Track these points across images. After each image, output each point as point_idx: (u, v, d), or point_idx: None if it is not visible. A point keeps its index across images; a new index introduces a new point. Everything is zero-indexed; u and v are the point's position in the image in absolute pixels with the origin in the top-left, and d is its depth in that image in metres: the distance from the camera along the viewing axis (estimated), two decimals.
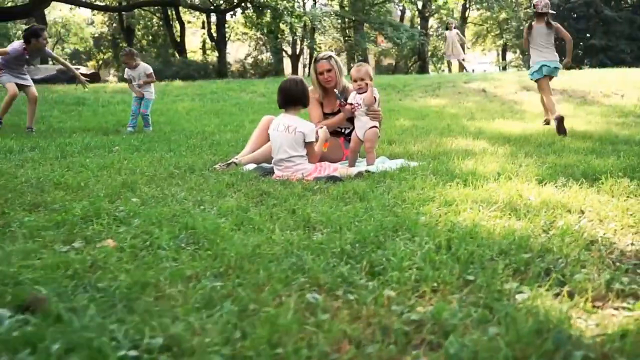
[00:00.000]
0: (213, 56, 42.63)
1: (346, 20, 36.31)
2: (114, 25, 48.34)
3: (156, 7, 40.35)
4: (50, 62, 40.59)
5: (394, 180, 4.39)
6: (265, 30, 26.61)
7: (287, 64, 44.93)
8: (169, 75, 23.92)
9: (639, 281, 2.22)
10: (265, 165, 5.16)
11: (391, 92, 13.98)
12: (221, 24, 39.04)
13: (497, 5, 38.32)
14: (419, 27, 37.32)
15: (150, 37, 50.12)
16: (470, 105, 11.76)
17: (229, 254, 2.52)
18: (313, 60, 5.81)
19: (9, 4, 31.97)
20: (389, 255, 2.44)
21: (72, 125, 8.92)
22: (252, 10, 27.92)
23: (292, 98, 4.91)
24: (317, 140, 4.96)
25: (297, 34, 32.90)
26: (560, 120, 7.47)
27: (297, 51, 43.60)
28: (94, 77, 24.66)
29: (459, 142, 6.76)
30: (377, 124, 5.36)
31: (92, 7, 29.51)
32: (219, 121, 9.61)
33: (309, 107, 5.78)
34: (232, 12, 30.13)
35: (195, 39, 50.17)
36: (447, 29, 20.11)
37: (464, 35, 25.49)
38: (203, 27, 43.88)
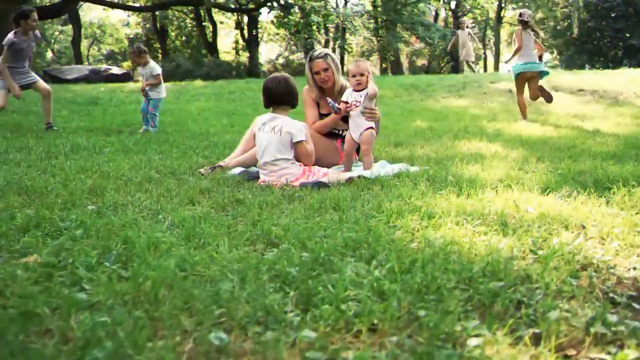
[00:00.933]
0: (245, 56, 42.49)
1: (378, 20, 35.79)
2: (147, 26, 48.55)
3: (189, 8, 40.38)
4: (86, 62, 40.92)
5: (383, 187, 4.01)
6: (292, 30, 26.27)
7: None
8: (200, 75, 23.82)
9: (628, 322, 1.80)
10: (252, 169, 4.81)
11: (413, 93, 13.53)
12: (253, 24, 38.94)
13: (534, 4, 37.42)
14: (452, 27, 36.65)
15: (184, 38, 50.33)
16: (494, 106, 11.26)
17: (152, 276, 2.16)
18: (308, 58, 5.42)
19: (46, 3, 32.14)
20: (333, 282, 2.05)
21: (77, 125, 8.69)
22: (279, 10, 27.61)
23: (273, 97, 4.55)
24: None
25: (324, 34, 32.47)
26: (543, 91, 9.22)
27: (330, 51, 43.28)
28: (126, 78, 24.69)
29: (471, 145, 6.33)
30: (373, 124, 4.97)
31: (118, 6, 29.62)
32: (228, 122, 9.30)
33: (304, 108, 5.42)
34: (259, 11, 29.80)
35: (229, 39, 50.18)
36: (459, 28, 19.43)
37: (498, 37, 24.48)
38: (236, 28, 43.80)
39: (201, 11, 39.40)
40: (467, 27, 18.96)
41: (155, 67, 8.71)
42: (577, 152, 5.58)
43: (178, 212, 3.28)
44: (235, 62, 44.41)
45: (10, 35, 7.97)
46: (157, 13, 43.17)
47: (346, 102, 4.96)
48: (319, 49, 5.45)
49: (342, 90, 5.19)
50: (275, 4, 27.31)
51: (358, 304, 1.88)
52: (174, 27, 48.55)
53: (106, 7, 37.00)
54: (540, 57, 9.50)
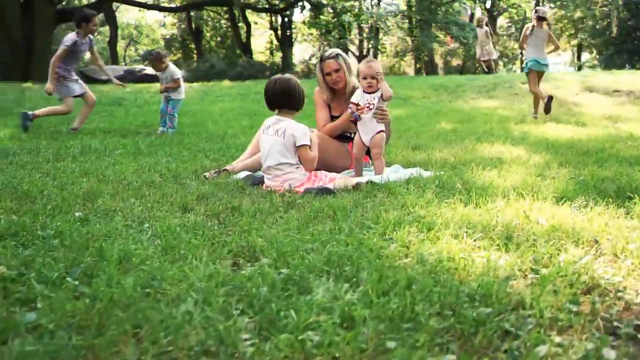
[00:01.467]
0: (279, 57, 42.46)
1: (413, 20, 35.42)
2: (182, 26, 48.86)
3: (224, 9, 40.48)
4: (122, 63, 41.29)
5: (391, 194, 3.79)
6: (323, 30, 26.09)
7: (353, 64, 44.43)
8: (233, 75, 23.83)
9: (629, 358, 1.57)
10: (258, 173, 4.63)
11: (442, 93, 13.23)
12: (287, 24, 38.89)
13: (572, 3, 36.63)
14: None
15: (218, 38, 50.54)
16: (524, 107, 10.92)
17: (107, 295, 1.99)
18: (319, 59, 5.21)
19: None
20: (301, 305, 1.86)
21: (96, 126, 8.62)
22: (310, 9, 27.45)
23: (269, 99, 4.37)
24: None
25: (358, 34, 32.19)
26: (549, 98, 9.55)
27: (365, 51, 43.00)
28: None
29: (493, 148, 6.07)
30: (384, 127, 4.75)
31: (150, 7, 29.76)
32: (249, 123, 9.13)
33: (316, 109, 5.24)
34: (290, 11, 29.68)
35: (263, 40, 50.26)
36: (478, 26, 18.82)
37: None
38: (270, 28, 43.82)
39: (235, 12, 39.45)
40: (485, 24, 18.43)
41: (176, 71, 8.60)
42: (604, 156, 5.29)
43: (166, 220, 3.12)
44: (269, 63, 44.44)
45: (73, 35, 8.03)
46: (192, 14, 43.44)
47: (357, 104, 4.76)
48: (330, 49, 5.24)
49: (353, 91, 4.99)
50: (306, 4, 27.14)
51: (322, 333, 1.68)
52: (209, 28, 48.84)
53: (141, 9, 37.30)
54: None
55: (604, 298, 2.02)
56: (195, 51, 46.80)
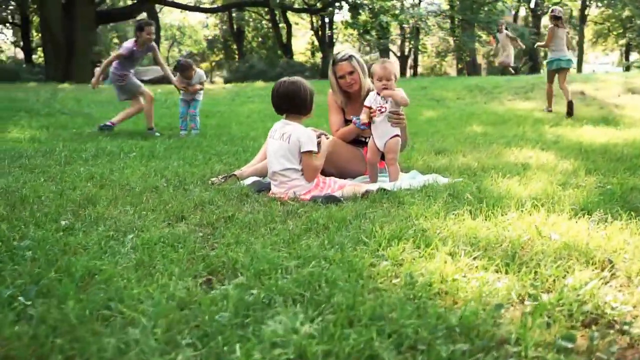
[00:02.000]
0: (319, 57, 42.31)
1: (455, 19, 34.86)
2: (224, 27, 49.13)
3: (265, 9, 40.51)
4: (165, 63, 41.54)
5: (399, 204, 3.57)
6: (360, 30, 25.80)
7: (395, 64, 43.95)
8: (273, 76, 23.85)
9: None
10: (266, 179, 4.44)
11: (477, 95, 12.86)
12: (327, 25, 38.70)
13: (620, 2, 35.61)
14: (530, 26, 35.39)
15: (260, 39, 50.66)
16: (561, 109, 10.49)
17: (51, 320, 1.83)
18: (331, 61, 5.00)
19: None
20: (253, 338, 1.66)
21: (120, 128, 8.54)
22: (348, 10, 27.19)
23: (276, 103, 4.18)
24: (319, 150, 4.17)
25: (396, 34, 31.77)
26: (569, 104, 9.78)
27: (406, 51, 42.59)
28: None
29: (522, 153, 5.78)
30: (399, 131, 4.52)
31: (186, 7, 29.93)
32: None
33: (329, 113, 5.03)
34: (328, 11, 29.48)
35: (305, 40, 50.25)
36: (498, 31, 18.32)
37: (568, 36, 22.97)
38: (312, 29, 43.72)
39: (276, 12, 39.43)
40: (505, 28, 17.99)
41: (203, 74, 8.53)
42: (639, 163, 4.96)
43: (152, 231, 2.95)
44: (309, 63, 44.32)
45: (130, 44, 8.35)
46: (233, 15, 43.64)
47: (369, 107, 4.54)
48: (343, 51, 5.01)
49: (369, 94, 4.77)
50: (344, 4, 26.89)
51: None
52: (250, 29, 49.00)
53: (182, 10, 37.60)
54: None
55: (605, 332, 1.78)
56: (236, 52, 47.00)
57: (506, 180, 4.19)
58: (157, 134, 8.19)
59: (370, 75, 4.64)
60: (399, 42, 41.88)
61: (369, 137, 4.70)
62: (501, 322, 1.81)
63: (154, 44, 8.57)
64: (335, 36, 43.64)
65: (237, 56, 46.26)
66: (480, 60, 41.61)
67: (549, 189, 3.81)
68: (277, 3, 25.99)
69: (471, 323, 1.76)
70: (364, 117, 4.50)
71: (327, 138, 4.32)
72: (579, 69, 37.70)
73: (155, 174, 4.66)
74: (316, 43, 42.79)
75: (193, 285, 2.19)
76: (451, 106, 11.43)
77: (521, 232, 2.80)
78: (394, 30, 37.83)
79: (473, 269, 2.32)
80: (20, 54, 43.62)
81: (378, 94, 4.47)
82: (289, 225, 3.08)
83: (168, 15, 53.42)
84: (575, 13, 40.43)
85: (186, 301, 2.01)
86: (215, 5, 40.26)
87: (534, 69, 34.32)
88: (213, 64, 54.68)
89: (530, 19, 39.09)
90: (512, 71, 18.22)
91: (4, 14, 40.66)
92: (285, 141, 4.03)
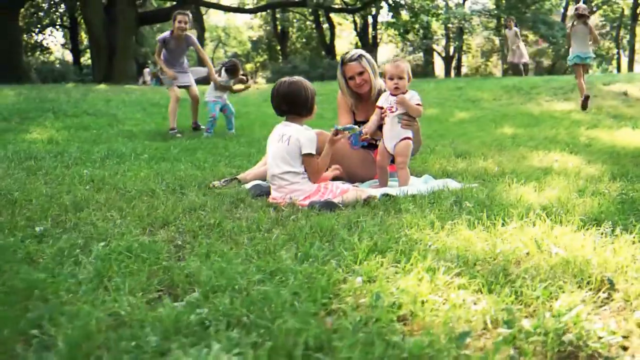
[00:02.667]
0: None
1: (501, 19, 34.21)
2: (268, 28, 49.25)
3: (309, 10, 40.43)
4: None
5: (398, 211, 3.35)
6: (401, 30, 25.42)
7: (440, 64, 43.49)
8: (315, 77, 23.81)
9: None
10: (266, 183, 4.25)
11: (514, 95, 12.43)
12: (373, 25, 38.47)
13: None
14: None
15: (304, 40, 50.64)
16: (601, 111, 10.07)
17: None
18: (340, 62, 4.76)
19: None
20: None
21: (141, 129, 8.48)
22: (387, 9, 26.85)
23: (275, 104, 4.00)
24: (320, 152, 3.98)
25: (441, 33, 31.25)
26: (586, 97, 10.00)
27: (451, 51, 42.01)
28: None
29: (548, 156, 5.48)
30: (410, 134, 4.29)
31: (221, 8, 30.04)
32: None
33: (338, 114, 4.83)
34: (367, 11, 29.20)
35: (349, 41, 50.10)
36: (505, 27, 17.52)
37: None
38: (355, 29, 43.50)
39: (319, 13, 39.30)
40: (515, 25, 17.27)
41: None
42: None
43: (125, 239, 2.79)
44: None
45: (166, 33, 8.50)
46: (277, 15, 43.71)
47: (381, 108, 4.33)
48: (352, 51, 4.77)
49: (379, 95, 4.55)
50: (383, 4, 26.55)
51: None
52: (294, 29, 49.03)
53: (219, 10, 37.81)
54: None
55: None
56: (280, 52, 47.05)
57: (521, 187, 3.93)
58: (179, 135, 8.12)
59: (382, 75, 4.43)
60: (443, 42, 41.31)
61: (378, 140, 4.48)
62: (461, 355, 1.58)
63: (191, 36, 8.57)
64: (379, 36, 43.35)
65: (280, 57, 46.30)
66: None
67: (563, 196, 3.54)
68: (314, 3, 25.77)
69: (423, 356, 1.54)
70: (366, 130, 4.31)
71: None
72: (630, 68, 36.56)
73: (158, 177, 4.52)
74: (360, 44, 42.53)
75: (141, 301, 2.01)
76: (485, 107, 11.08)
77: (519, 245, 2.55)
78: (439, 29, 37.35)
79: (452, 287, 2.09)
80: (69, 56, 44.48)
81: (391, 94, 4.26)
82: (273, 235, 2.89)
83: (213, 17, 53.80)
84: (627, 11, 39.19)
85: (125, 320, 1.84)
86: (253, 7, 40.19)
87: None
88: (257, 64, 54.90)
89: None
90: (522, 72, 17.37)
91: (53, 16, 41.52)
92: (284, 143, 3.85)
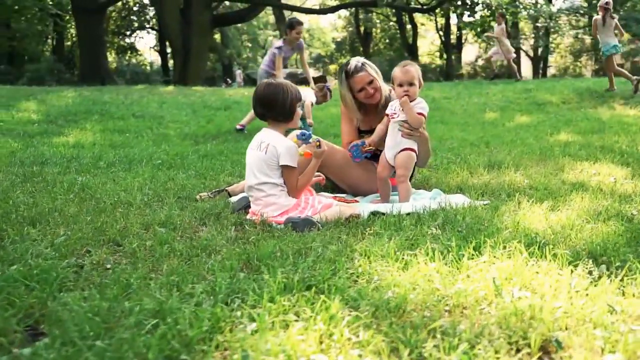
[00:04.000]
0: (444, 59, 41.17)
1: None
2: (351, 29, 49.03)
3: (392, 10, 39.92)
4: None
5: (362, 236, 2.94)
6: (478, 30, 24.49)
7: (527, 65, 41.95)
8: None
9: None
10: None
11: (586, 99, 11.54)
12: (450, 25, 37.53)
13: None
14: None
15: (387, 40, 50.10)
16: None
17: None
18: (343, 75, 4.26)
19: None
20: None
21: (180, 132, 8.28)
22: (463, 8, 25.98)
23: (254, 108, 3.70)
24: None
25: (529, 32, 29.90)
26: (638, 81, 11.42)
27: (540, 51, 40.37)
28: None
29: (591, 168, 4.90)
30: (414, 145, 3.86)
31: (291, 8, 29.97)
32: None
33: (341, 122, 4.45)
34: (440, 11, 28.37)
35: (428, 41, 49.27)
36: (497, 22, 15.70)
37: None
38: (439, 30, 42.65)
39: (403, 13, 38.68)
40: (505, 22, 15.87)
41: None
42: None
43: (40, 260, 2.51)
44: (434, 65, 43.22)
45: (280, 42, 8.65)
46: (360, 16, 43.44)
47: (387, 115, 3.96)
48: (351, 61, 4.27)
49: (386, 102, 4.15)
50: (459, 2, 25.70)
51: None
52: (378, 30, 48.62)
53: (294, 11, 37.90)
54: None
55: None
56: (363, 53, 46.73)
57: (532, 206, 3.43)
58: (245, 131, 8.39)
59: (391, 81, 4.02)
60: (531, 41, 39.76)
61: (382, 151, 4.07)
62: None
63: (302, 42, 8.72)
64: (464, 37, 42.25)
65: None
66: (619, 59, 38.70)
67: (570, 220, 3.03)
68: (385, 3, 25.22)
69: None
70: (369, 141, 3.96)
71: (320, 147, 3.67)
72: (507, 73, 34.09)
73: (148, 186, 4.26)
74: (442, 45, 41.64)
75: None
76: (549, 111, 10.32)
77: (478, 285, 2.11)
78: (526, 28, 35.97)
79: (349, 344, 1.68)
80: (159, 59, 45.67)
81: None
82: (213, 259, 2.55)
83: (299, 18, 54.06)
84: None
85: None
86: (324, 7, 40.06)
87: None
88: (340, 65, 54.76)
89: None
90: (517, 74, 16.05)
91: (142, 19, 42.75)
92: (262, 151, 3.51)
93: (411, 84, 3.86)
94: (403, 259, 2.43)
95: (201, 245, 2.76)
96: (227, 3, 30.83)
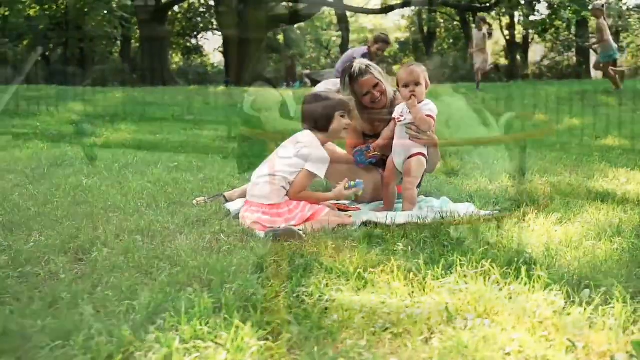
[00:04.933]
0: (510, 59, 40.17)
1: None
2: (413, 29, 48.54)
3: (455, 10, 39.30)
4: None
5: (343, 249, 2.74)
6: (539, 29, 23.69)
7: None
8: (456, 78, 23.30)
9: None
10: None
11: (637, 102, 10.98)
12: (513, 24, 36.60)
13: None
14: None
15: (451, 41, 49.34)
16: None
17: None
18: (345, 79, 4.07)
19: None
20: None
21: (215, 134, 8.20)
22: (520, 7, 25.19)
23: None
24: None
25: (581, 32, 28.63)
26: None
27: None
28: None
29: (626, 176, 4.56)
30: (423, 149, 3.62)
31: (351, 9, 29.82)
32: None
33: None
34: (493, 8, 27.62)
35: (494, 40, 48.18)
36: (476, 28, 14.34)
37: None
38: (506, 28, 41.66)
39: (467, 13, 37.99)
40: (489, 27, 14.99)
41: None
42: None
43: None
44: (498, 64, 42.19)
45: (365, 49, 8.69)
46: (423, 16, 43.00)
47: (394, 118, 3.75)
48: (354, 64, 4.03)
49: (393, 103, 3.93)
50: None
51: None
52: (442, 30, 48.03)
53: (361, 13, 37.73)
54: None
55: None
56: (426, 54, 46.12)
57: (537, 218, 3.15)
58: None
59: (396, 83, 3.80)
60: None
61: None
62: None
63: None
64: (530, 36, 41.11)
65: (426, 58, 45.45)
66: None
67: (569, 237, 2.75)
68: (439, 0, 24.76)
69: None
70: (374, 146, 3.78)
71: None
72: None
73: (144, 190, 4.15)
74: (506, 44, 40.67)
75: None
76: (603, 113, 9.82)
77: (429, 311, 1.89)
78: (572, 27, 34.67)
79: None
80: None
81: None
82: (169, 271, 2.40)
83: (362, 19, 53.76)
84: None
85: None
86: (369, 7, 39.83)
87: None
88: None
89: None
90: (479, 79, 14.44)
91: (207, 20, 43.31)
92: (295, 150, 3.46)
93: (417, 84, 3.63)
94: (363, 278, 2.22)
95: (163, 256, 2.61)
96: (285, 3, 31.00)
